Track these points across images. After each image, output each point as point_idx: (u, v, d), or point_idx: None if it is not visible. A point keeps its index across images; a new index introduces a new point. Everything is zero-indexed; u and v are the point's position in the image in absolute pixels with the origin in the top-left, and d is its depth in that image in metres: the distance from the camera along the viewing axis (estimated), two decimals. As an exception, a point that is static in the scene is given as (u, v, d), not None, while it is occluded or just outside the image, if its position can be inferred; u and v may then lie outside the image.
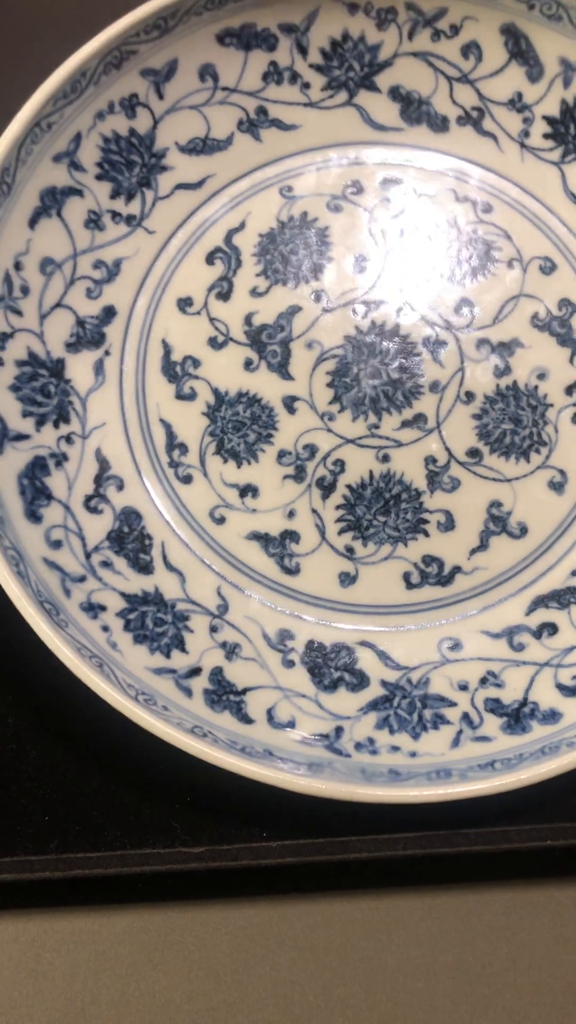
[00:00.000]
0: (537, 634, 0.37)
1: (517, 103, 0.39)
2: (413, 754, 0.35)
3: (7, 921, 0.34)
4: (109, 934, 0.34)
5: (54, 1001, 0.33)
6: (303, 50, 0.39)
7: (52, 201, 0.38)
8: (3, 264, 0.37)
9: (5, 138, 0.35)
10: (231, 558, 0.38)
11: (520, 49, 0.39)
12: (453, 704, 0.36)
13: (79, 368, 0.38)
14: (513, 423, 0.39)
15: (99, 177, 0.38)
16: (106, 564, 0.37)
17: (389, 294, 0.40)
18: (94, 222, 0.39)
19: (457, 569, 0.38)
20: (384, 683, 0.37)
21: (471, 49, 0.39)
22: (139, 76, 0.38)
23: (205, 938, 0.34)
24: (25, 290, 0.37)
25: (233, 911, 0.34)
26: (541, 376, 0.39)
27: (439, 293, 0.40)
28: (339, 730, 0.35)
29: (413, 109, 0.40)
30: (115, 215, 0.39)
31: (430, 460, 0.39)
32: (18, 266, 0.37)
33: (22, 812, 0.35)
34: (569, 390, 0.39)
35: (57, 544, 0.36)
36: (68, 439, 0.38)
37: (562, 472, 0.39)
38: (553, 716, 0.35)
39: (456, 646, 0.37)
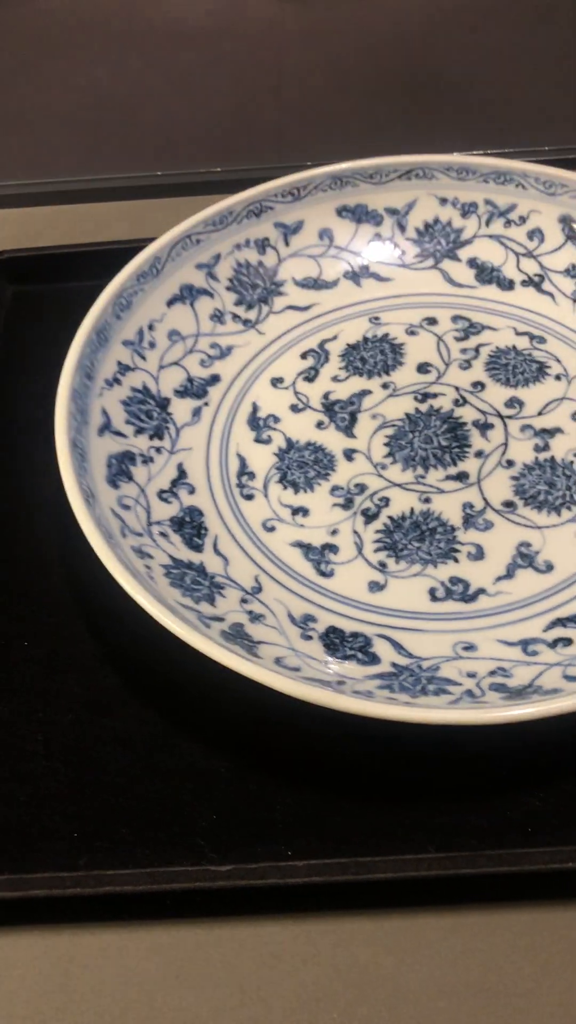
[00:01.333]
0: (552, 645, 0.39)
1: (572, 271, 0.50)
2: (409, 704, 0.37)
3: (37, 936, 0.34)
4: (137, 950, 0.34)
5: (83, 1015, 0.33)
6: (402, 228, 0.52)
7: (188, 294, 0.49)
8: (140, 322, 0.48)
9: (162, 239, 0.49)
10: (273, 557, 0.42)
11: (574, 233, 0.51)
12: (458, 684, 0.37)
13: (181, 408, 0.47)
14: (548, 486, 0.44)
15: (228, 288, 0.50)
16: (163, 535, 0.42)
17: (448, 390, 0.48)
18: (217, 317, 0.50)
19: (482, 591, 0.41)
20: (395, 664, 0.39)
21: (535, 233, 0.51)
22: (272, 226, 0.51)
23: (231, 955, 0.34)
24: (152, 345, 0.48)
25: (259, 928, 0.34)
26: None
27: (493, 392, 0.48)
28: (340, 682, 0.37)
29: (486, 274, 0.52)
30: (235, 316, 0.50)
31: (467, 506, 0.44)
32: (151, 327, 0.48)
33: (52, 830, 0.35)
34: None
35: (126, 507, 0.42)
36: (158, 450, 0.45)
37: None
38: (555, 691, 0.37)
39: (470, 647, 0.39)
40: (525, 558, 0.41)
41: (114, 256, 0.53)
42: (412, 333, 0.50)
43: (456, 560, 0.42)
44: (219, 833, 0.35)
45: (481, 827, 0.35)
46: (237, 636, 0.38)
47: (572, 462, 0.44)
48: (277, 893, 0.34)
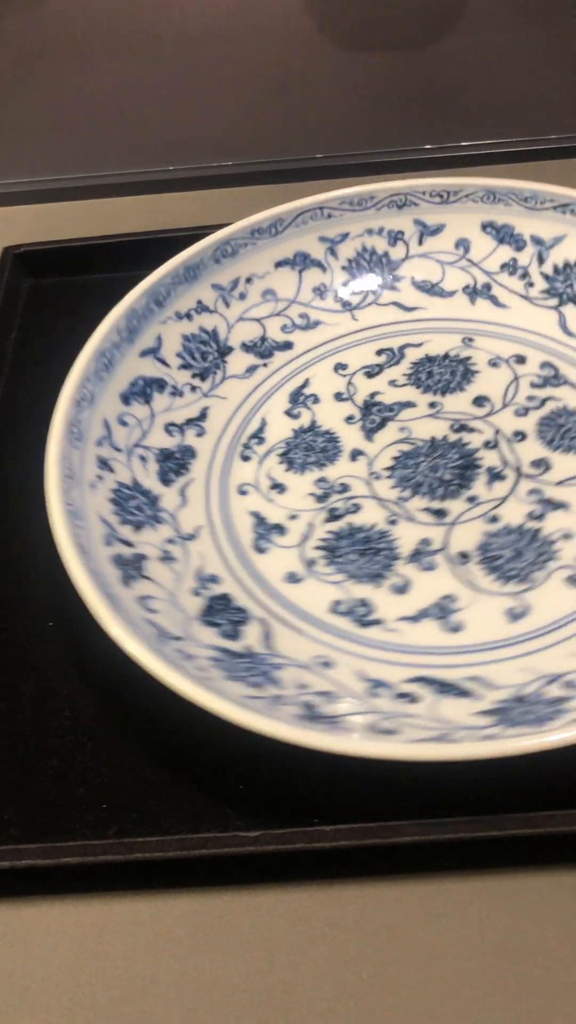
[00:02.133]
0: (400, 695, 0.36)
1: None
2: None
3: (70, 904, 0.35)
4: (168, 916, 0.34)
5: (116, 980, 0.33)
6: (541, 259, 0.49)
7: (301, 261, 0.49)
8: (239, 272, 0.48)
9: (292, 204, 0.49)
10: (226, 516, 0.43)
11: None
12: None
13: (238, 361, 0.48)
14: (514, 554, 0.41)
15: (344, 268, 0.50)
16: (143, 458, 0.43)
17: (487, 429, 0.46)
18: (320, 292, 0.50)
19: (378, 622, 0.39)
20: (249, 650, 0.37)
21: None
22: (412, 222, 0.50)
23: (260, 920, 0.34)
24: (242, 296, 0.48)
25: (287, 894, 0.35)
26: (566, 536, 0.42)
27: (529, 447, 0.46)
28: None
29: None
30: (337, 296, 0.50)
31: (425, 541, 0.42)
32: (249, 280, 0.49)
33: (81, 800, 0.36)
34: None
35: (123, 423, 0.43)
36: (192, 388, 0.46)
37: (525, 608, 0.39)
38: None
39: (328, 664, 0.37)
40: (443, 609, 0.40)
41: (128, 248, 0.55)
42: (494, 365, 0.49)
43: (378, 585, 0.41)
44: (247, 803, 0.36)
45: (505, 791, 0.34)
46: (129, 565, 0.39)
47: (554, 543, 0.41)
48: (305, 858, 0.35)
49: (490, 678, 0.38)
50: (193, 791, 0.36)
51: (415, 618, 0.40)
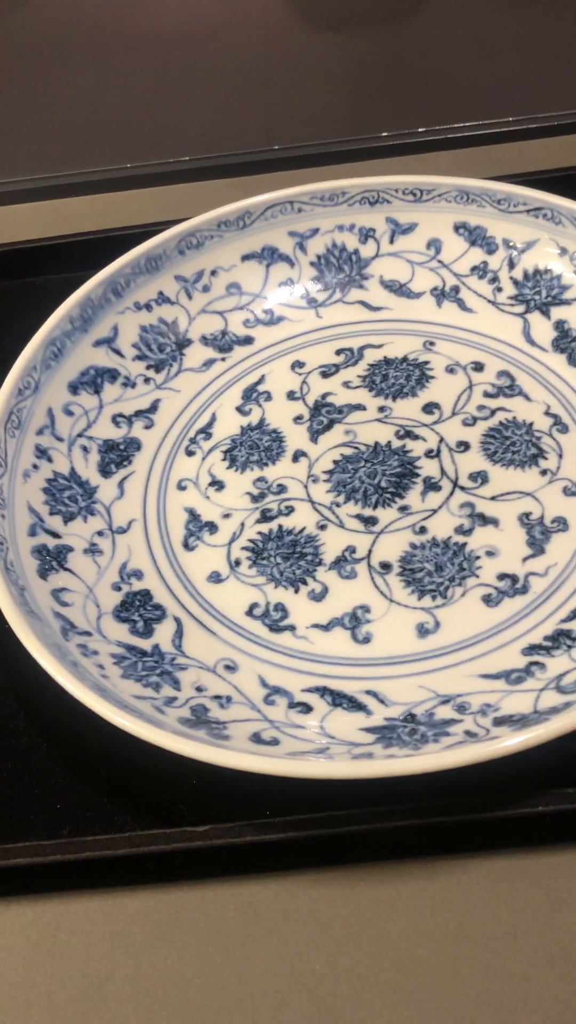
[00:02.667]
0: (297, 705, 0.36)
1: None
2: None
3: (26, 905, 0.35)
4: (122, 914, 0.35)
5: (72, 979, 0.33)
6: (512, 264, 0.48)
7: (269, 256, 0.49)
8: (204, 265, 0.48)
9: (260, 198, 0.48)
10: (160, 512, 0.43)
11: None
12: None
13: (196, 354, 0.48)
14: (435, 568, 0.40)
15: (312, 264, 0.50)
16: (84, 448, 0.43)
17: (432, 438, 0.45)
18: (288, 284, 0.49)
19: (291, 628, 0.39)
20: (156, 647, 0.38)
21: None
22: (384, 219, 0.49)
23: (213, 914, 0.34)
24: (206, 289, 0.49)
25: (240, 887, 0.35)
26: (490, 554, 0.41)
27: (470, 459, 0.44)
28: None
29: (566, 342, 0.47)
30: (306, 293, 0.50)
31: (350, 550, 0.42)
32: (214, 273, 0.48)
33: (35, 801, 0.36)
34: (501, 577, 0.40)
35: (69, 413, 0.44)
36: (146, 380, 0.46)
37: (436, 624, 0.39)
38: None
39: (231, 667, 0.38)
40: (353, 620, 0.39)
41: (88, 247, 0.54)
42: (451, 371, 0.48)
43: (296, 591, 0.40)
44: (201, 797, 0.35)
45: (454, 777, 0.34)
46: (51, 556, 0.40)
47: (477, 559, 0.40)
48: (256, 851, 0.35)
49: (386, 693, 0.38)
50: (148, 787, 0.36)
51: (326, 626, 0.39)
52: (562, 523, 0.41)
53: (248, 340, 0.51)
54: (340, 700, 0.37)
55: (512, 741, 0.32)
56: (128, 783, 0.36)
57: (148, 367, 0.49)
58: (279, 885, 0.35)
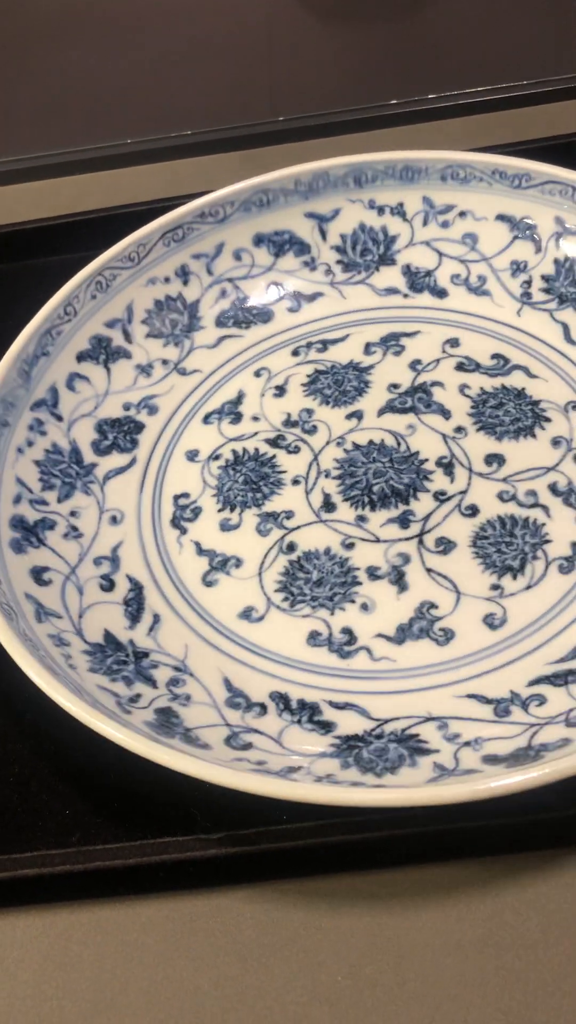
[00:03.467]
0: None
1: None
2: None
3: (36, 916, 0.34)
4: (135, 924, 0.34)
5: (83, 991, 0.32)
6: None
7: (289, 239, 0.47)
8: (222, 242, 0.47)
9: (272, 175, 0.47)
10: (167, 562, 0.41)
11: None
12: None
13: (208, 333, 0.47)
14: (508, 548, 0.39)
15: (334, 248, 0.48)
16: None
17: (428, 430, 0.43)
18: (304, 268, 0.48)
19: (366, 649, 0.37)
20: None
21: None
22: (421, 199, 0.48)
23: (230, 923, 0.33)
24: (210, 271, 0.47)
25: (257, 894, 0.34)
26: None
27: (477, 442, 0.42)
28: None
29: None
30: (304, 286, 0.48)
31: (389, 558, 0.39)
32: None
33: (43, 807, 0.35)
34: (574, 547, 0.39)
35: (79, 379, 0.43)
36: (164, 362, 0.46)
37: (503, 614, 0.37)
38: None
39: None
40: (422, 620, 0.37)
41: (91, 226, 0.53)
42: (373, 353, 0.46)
43: (344, 609, 0.38)
44: (214, 801, 0.34)
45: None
46: (29, 530, 0.39)
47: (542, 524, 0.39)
48: (273, 858, 0.34)
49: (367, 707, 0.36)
50: (159, 792, 0.35)
51: (396, 639, 0.37)
52: None
53: (266, 317, 0.48)
54: (305, 710, 0.35)
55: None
56: (139, 788, 0.35)
57: (165, 344, 0.47)
58: (299, 892, 0.34)
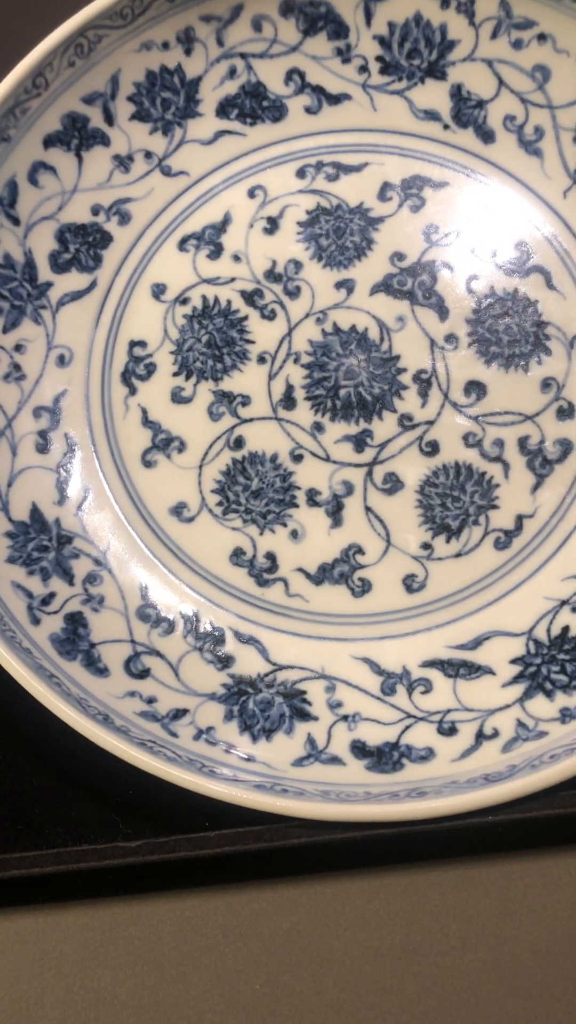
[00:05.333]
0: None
1: None
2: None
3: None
4: (52, 932, 0.31)
5: (0, 1002, 0.29)
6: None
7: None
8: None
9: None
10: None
11: None
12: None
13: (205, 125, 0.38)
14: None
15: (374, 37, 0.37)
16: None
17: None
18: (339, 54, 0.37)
19: (283, 581, 0.35)
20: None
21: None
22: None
23: (149, 931, 0.31)
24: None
25: (176, 903, 0.32)
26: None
27: (464, 361, 0.36)
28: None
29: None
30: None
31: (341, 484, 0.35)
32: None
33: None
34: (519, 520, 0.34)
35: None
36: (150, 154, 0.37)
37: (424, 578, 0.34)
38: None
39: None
40: (346, 564, 0.35)
41: None
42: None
43: (272, 532, 0.35)
44: (136, 808, 0.32)
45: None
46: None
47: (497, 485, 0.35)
48: (192, 866, 0.31)
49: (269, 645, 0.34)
50: (80, 799, 0.32)
51: (315, 580, 0.35)
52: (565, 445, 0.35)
53: (277, 114, 0.37)
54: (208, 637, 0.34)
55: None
56: (61, 793, 0.32)
57: (152, 131, 0.37)
58: (218, 899, 0.32)
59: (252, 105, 0.37)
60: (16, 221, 0.35)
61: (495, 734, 0.32)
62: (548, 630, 0.33)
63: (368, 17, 0.36)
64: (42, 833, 0.32)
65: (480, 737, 0.32)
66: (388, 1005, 0.31)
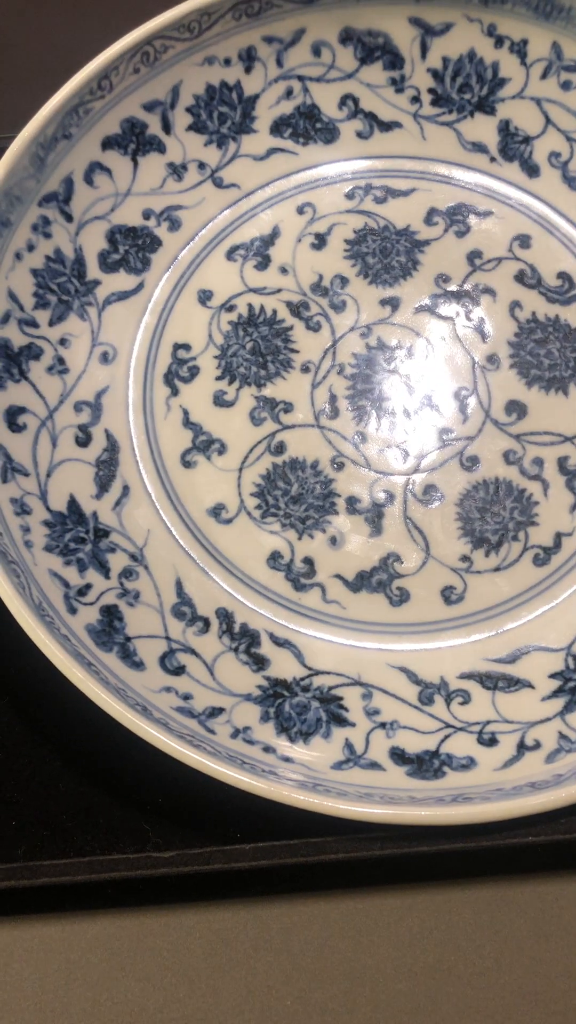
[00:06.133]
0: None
1: None
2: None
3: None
4: (80, 942, 0.29)
5: (23, 1012, 0.29)
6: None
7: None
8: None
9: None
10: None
11: None
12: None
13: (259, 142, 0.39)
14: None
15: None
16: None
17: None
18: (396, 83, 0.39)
19: (320, 587, 0.34)
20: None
21: None
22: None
23: (179, 943, 0.29)
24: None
25: (207, 915, 0.30)
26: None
27: (505, 381, 0.36)
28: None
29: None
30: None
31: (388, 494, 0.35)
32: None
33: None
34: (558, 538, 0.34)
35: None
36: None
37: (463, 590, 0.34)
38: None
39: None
40: (384, 571, 0.34)
41: None
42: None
43: (311, 537, 0.34)
44: (166, 817, 0.30)
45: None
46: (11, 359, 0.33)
47: (532, 497, 0.35)
48: (225, 878, 0.30)
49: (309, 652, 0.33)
50: (109, 805, 0.30)
51: (353, 587, 0.35)
52: None
53: (330, 136, 0.38)
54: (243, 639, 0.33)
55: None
56: (89, 799, 0.30)
57: (207, 143, 0.37)
58: (249, 913, 0.30)
59: (306, 126, 0.36)
60: (69, 218, 0.34)
61: (537, 745, 0.30)
62: None
63: (424, 51, 0.36)
64: (70, 840, 0.30)
65: (522, 748, 0.30)
66: (425, 1022, 0.29)
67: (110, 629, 0.31)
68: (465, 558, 0.34)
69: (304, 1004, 0.29)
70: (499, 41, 0.37)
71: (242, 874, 0.29)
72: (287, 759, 0.30)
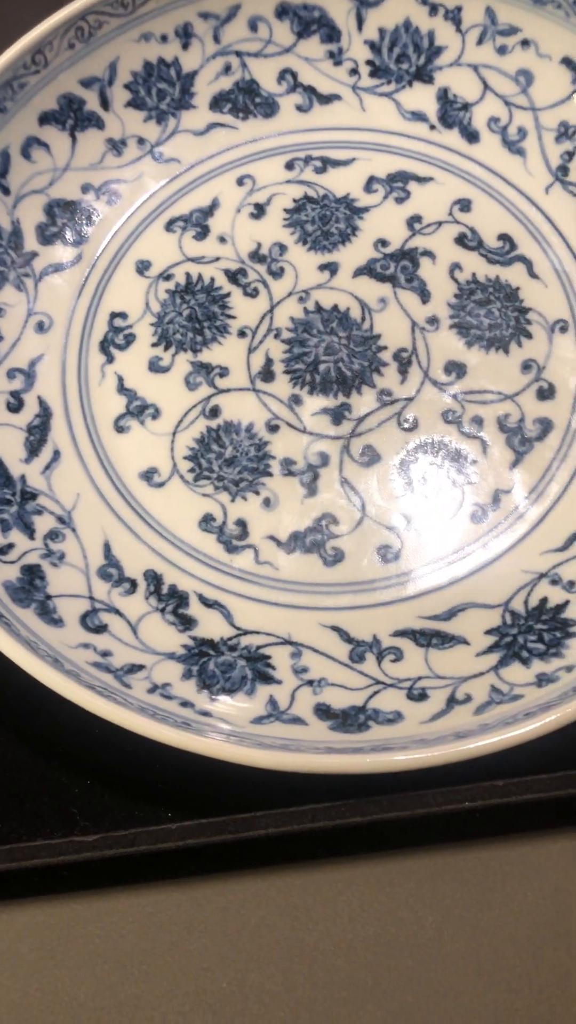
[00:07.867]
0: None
1: None
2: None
3: None
4: (8, 932, 0.27)
5: None
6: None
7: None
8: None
9: None
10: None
11: None
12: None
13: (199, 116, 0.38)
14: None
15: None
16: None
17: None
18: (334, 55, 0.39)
19: (253, 548, 0.33)
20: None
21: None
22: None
23: (110, 929, 0.27)
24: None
25: (137, 898, 0.27)
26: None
27: (444, 341, 0.35)
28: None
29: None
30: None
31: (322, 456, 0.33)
32: None
33: None
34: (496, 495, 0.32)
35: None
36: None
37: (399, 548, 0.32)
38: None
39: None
40: (318, 531, 0.33)
41: None
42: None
43: (245, 499, 0.33)
44: (94, 799, 0.28)
45: (366, 776, 0.27)
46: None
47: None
48: (153, 860, 0.27)
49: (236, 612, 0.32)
50: (36, 789, 0.28)
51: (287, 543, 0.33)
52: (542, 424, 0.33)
53: (269, 111, 0.37)
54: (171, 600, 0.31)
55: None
56: (15, 783, 0.28)
57: (146, 119, 0.36)
58: (182, 894, 0.27)
59: (245, 101, 0.34)
60: (7, 191, 0.32)
61: (468, 699, 0.27)
62: (526, 601, 0.29)
63: (360, 22, 0.34)
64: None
65: (452, 702, 0.27)
66: (362, 1001, 0.27)
67: (30, 587, 0.29)
68: (403, 516, 0.32)
69: (241, 985, 0.27)
70: (434, 9, 0.35)
71: (171, 855, 0.27)
72: (205, 712, 0.27)
